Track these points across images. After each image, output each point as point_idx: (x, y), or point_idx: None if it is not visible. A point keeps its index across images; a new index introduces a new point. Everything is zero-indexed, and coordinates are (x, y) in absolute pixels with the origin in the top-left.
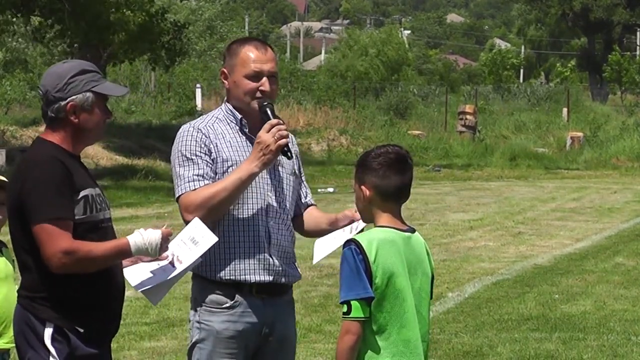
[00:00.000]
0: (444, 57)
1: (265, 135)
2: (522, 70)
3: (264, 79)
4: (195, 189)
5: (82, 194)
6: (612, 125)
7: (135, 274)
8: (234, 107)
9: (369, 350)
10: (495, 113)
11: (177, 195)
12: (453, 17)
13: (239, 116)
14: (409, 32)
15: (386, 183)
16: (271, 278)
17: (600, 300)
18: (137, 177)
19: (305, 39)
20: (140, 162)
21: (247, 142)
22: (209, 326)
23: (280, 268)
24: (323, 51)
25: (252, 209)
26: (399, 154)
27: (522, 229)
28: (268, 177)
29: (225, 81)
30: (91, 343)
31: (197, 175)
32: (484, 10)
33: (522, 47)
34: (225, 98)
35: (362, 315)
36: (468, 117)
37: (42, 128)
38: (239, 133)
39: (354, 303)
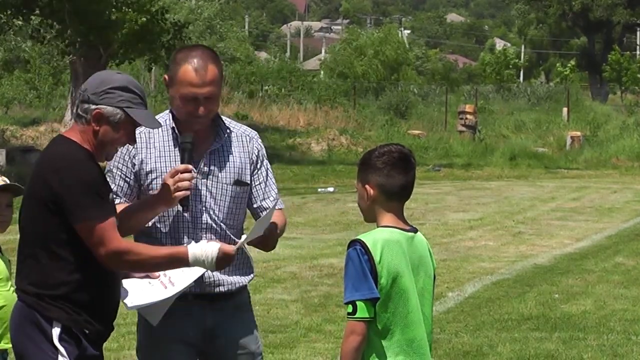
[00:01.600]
0: (444, 57)
1: (168, 180)
2: (522, 70)
3: (200, 102)
4: None
5: (111, 195)
6: (612, 125)
7: (128, 289)
8: (173, 116)
9: (373, 351)
10: (495, 113)
11: None
12: (453, 17)
13: (172, 125)
14: (409, 32)
15: (391, 182)
16: (203, 289)
17: (600, 300)
18: None
19: (305, 38)
20: None
21: (179, 152)
22: (145, 326)
23: (214, 278)
24: (323, 51)
25: (178, 223)
26: (403, 152)
27: (522, 228)
28: (194, 192)
29: (167, 87)
30: (93, 344)
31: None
32: (484, 10)
33: (522, 47)
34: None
35: (368, 316)
36: (468, 116)
37: (43, 128)
38: (175, 142)
39: (360, 303)
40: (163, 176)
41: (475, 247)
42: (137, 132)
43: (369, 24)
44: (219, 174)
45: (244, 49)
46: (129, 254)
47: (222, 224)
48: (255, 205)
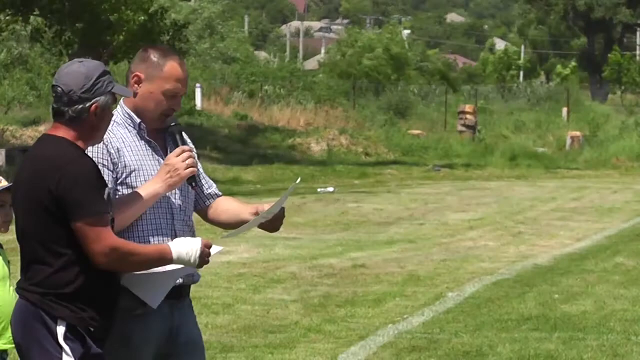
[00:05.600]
0: (443, 57)
1: (175, 159)
2: (522, 70)
3: (179, 99)
4: None
5: (106, 190)
6: (612, 125)
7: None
8: (131, 111)
9: None
10: (495, 113)
11: None
12: (453, 17)
13: (138, 121)
14: (409, 32)
15: None
16: (181, 281)
17: (600, 300)
18: None
19: (305, 38)
20: None
21: (147, 146)
22: (120, 334)
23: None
24: (323, 51)
25: (159, 213)
26: None
27: (522, 229)
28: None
29: (136, 85)
30: (97, 342)
31: None
32: (484, 10)
33: (522, 47)
34: (123, 99)
35: None
36: (468, 116)
37: (43, 128)
38: (138, 137)
39: None
40: (141, 170)
41: (476, 247)
42: None
43: (369, 24)
44: None
45: (244, 49)
46: (123, 249)
47: (189, 213)
48: (206, 193)
